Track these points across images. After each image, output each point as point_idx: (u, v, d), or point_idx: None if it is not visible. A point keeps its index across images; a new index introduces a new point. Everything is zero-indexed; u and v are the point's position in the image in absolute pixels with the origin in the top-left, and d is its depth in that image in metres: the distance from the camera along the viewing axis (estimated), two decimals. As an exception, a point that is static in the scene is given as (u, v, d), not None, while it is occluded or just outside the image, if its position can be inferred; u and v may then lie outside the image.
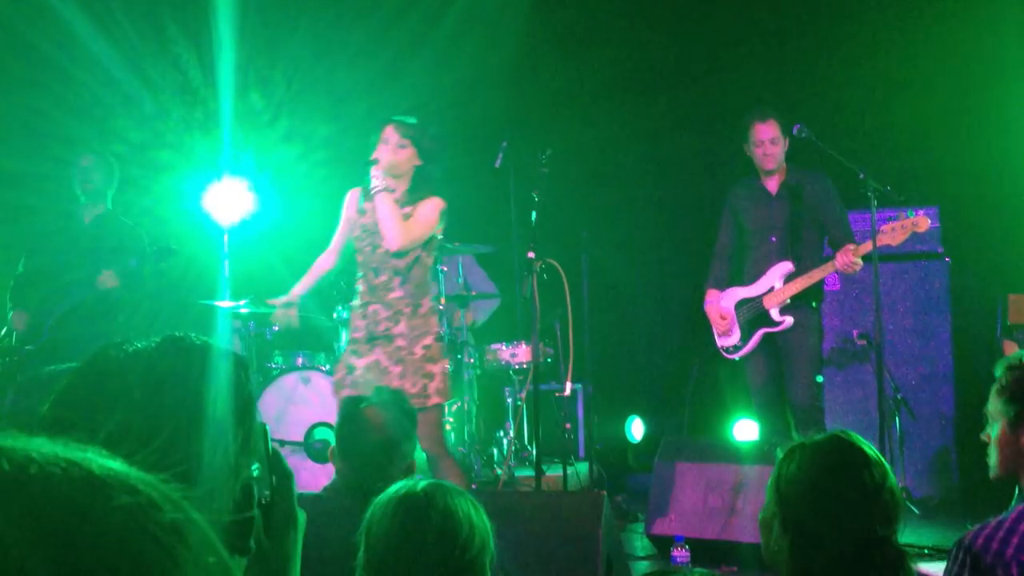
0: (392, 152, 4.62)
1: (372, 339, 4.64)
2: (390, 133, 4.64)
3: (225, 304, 6.38)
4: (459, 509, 2.15)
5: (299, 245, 6.79)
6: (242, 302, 6.40)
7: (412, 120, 4.73)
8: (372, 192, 4.61)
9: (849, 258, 5.41)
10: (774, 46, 7.17)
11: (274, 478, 1.39)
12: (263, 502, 1.31)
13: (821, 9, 7.15)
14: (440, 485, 2.26)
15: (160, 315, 6.29)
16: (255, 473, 1.29)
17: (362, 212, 4.78)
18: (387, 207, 4.59)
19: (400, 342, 4.61)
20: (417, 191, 4.69)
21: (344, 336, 6.49)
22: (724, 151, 6.25)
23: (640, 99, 7.27)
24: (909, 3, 6.95)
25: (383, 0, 7.22)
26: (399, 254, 4.62)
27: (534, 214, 5.17)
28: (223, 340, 5.44)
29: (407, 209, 4.66)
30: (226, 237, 6.63)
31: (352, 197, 4.88)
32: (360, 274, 4.77)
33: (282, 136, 7.08)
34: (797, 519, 2.13)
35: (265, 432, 1.34)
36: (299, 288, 4.93)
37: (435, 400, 4.60)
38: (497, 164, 6.04)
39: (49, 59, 6.54)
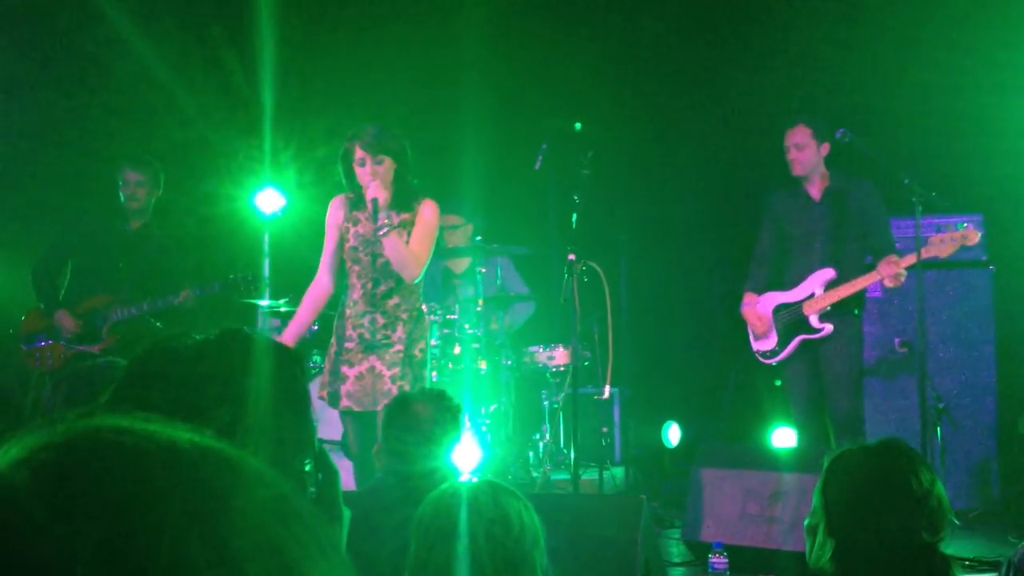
0: (374, 175, 4.51)
1: (367, 347, 4.59)
2: (361, 154, 4.53)
3: (265, 303, 6.44)
4: (509, 506, 2.15)
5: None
6: (282, 301, 6.46)
7: (369, 125, 4.61)
8: (380, 234, 4.48)
9: (893, 269, 5.36)
10: (816, 50, 7.11)
11: (320, 475, 1.40)
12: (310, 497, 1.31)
13: (864, 13, 7.09)
14: (491, 483, 2.27)
15: (204, 308, 6.35)
16: (307, 468, 1.29)
17: (354, 222, 4.70)
18: (398, 247, 4.50)
19: (398, 347, 4.58)
20: (403, 195, 4.60)
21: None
22: (764, 155, 6.20)
23: (679, 102, 7.24)
24: (952, 7, 6.87)
25: (423, 2, 7.25)
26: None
27: (575, 216, 5.17)
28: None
29: (404, 215, 4.60)
30: (266, 237, 6.70)
31: (337, 206, 4.77)
32: (354, 281, 4.67)
33: (322, 135, 7.11)
34: (842, 525, 2.11)
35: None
36: (290, 334, 4.78)
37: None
38: (537, 166, 6.04)
39: (95, 60, 6.62)
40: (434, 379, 6.32)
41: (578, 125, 6.18)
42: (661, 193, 7.45)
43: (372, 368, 4.54)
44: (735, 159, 7.14)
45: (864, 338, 5.95)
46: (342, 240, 4.72)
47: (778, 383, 5.98)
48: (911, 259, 5.37)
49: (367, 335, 4.59)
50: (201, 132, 6.96)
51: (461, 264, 7.02)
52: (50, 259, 6.12)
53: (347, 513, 1.63)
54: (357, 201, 4.65)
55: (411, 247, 4.56)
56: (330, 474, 1.50)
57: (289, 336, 4.74)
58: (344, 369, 4.60)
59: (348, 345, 4.63)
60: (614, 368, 5.70)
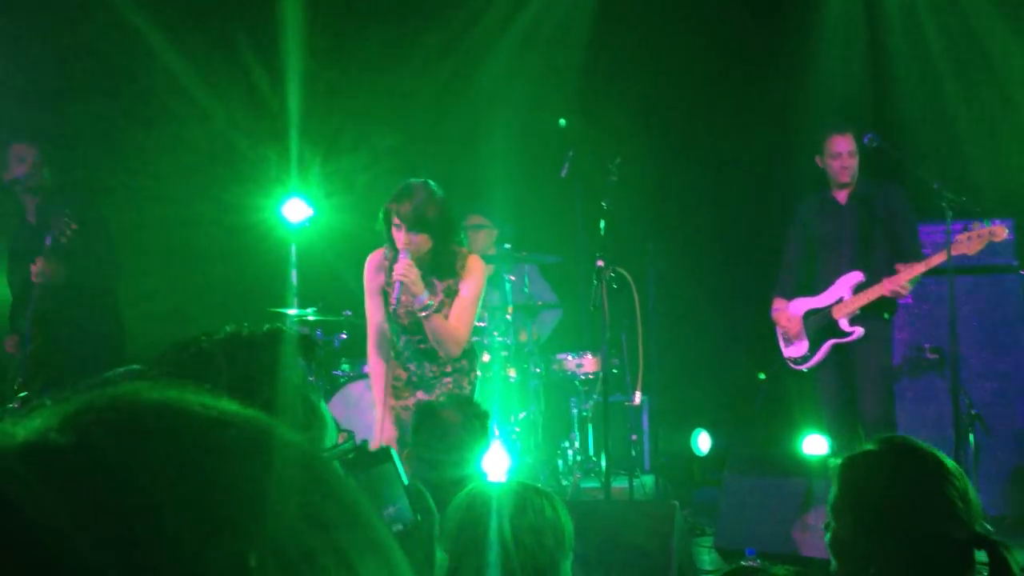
0: (407, 243, 4.29)
1: (414, 386, 4.52)
2: (398, 220, 4.31)
3: (293, 312, 6.47)
4: (539, 508, 2.13)
5: (365, 254, 6.85)
6: (309, 310, 6.48)
7: (414, 187, 4.37)
8: (421, 316, 4.31)
9: (890, 286, 5.36)
10: (843, 56, 7.09)
11: (418, 516, 1.38)
12: (399, 528, 1.30)
13: (889, 19, 7.06)
14: (521, 484, 2.26)
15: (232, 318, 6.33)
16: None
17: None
18: (438, 327, 4.33)
19: (446, 380, 4.50)
20: (441, 262, 4.42)
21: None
22: (792, 162, 6.18)
23: (707, 108, 7.22)
24: (979, 12, 6.83)
25: (450, 11, 7.27)
26: None
27: (603, 223, 5.16)
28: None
29: (448, 282, 4.43)
30: (293, 247, 6.73)
31: (374, 269, 4.57)
32: (399, 330, 4.52)
33: (349, 146, 7.14)
34: (851, 535, 2.07)
35: (393, 460, 1.34)
36: (383, 416, 4.57)
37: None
38: (563, 174, 6.04)
39: (123, 70, 6.67)
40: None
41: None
42: (689, 199, 7.42)
43: (419, 401, 4.38)
44: (763, 164, 7.11)
45: (895, 344, 5.91)
46: (386, 300, 4.50)
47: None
48: (939, 258, 5.33)
49: (415, 378, 4.51)
50: (228, 142, 7.00)
51: (487, 271, 7.02)
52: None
53: (442, 558, 1.61)
54: (396, 260, 4.37)
55: (451, 323, 4.37)
56: (428, 515, 1.49)
57: (385, 432, 4.52)
58: (391, 400, 4.52)
59: (396, 384, 4.54)
60: (643, 375, 5.68)
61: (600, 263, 5.03)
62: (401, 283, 4.22)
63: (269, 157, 6.91)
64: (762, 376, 6.60)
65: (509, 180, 6.71)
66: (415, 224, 4.24)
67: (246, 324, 1.27)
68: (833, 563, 2.16)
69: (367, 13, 7.23)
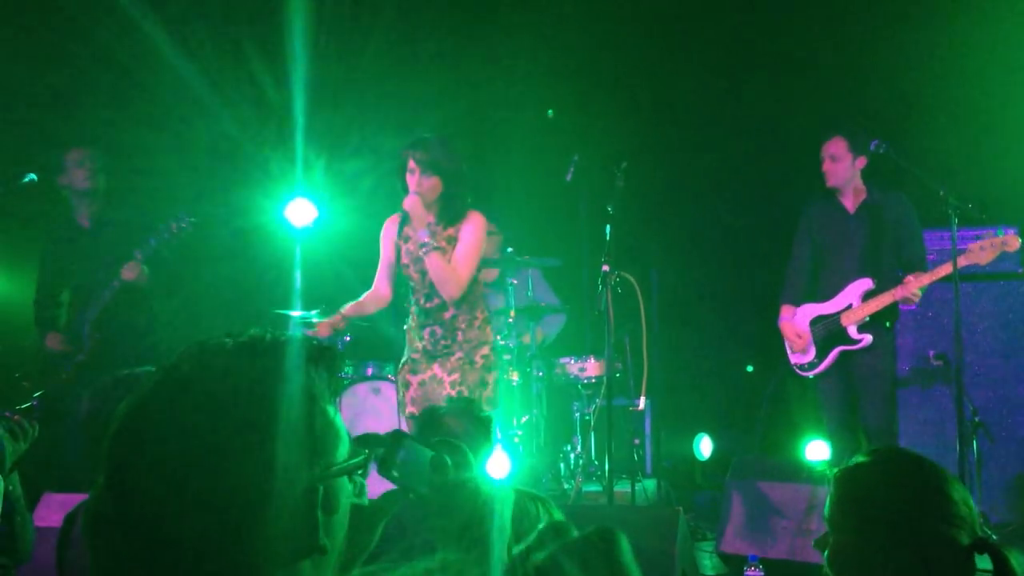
0: (418, 186, 4.62)
1: (432, 357, 4.75)
2: (411, 163, 4.65)
3: (296, 314, 6.46)
4: (530, 515, 2.12)
5: (369, 256, 6.86)
6: (313, 312, 6.48)
7: (429, 138, 4.72)
8: (422, 253, 4.63)
9: (909, 291, 5.36)
10: (851, 63, 7.09)
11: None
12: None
13: (900, 25, 7.05)
14: (530, 495, 2.25)
15: (237, 319, 6.33)
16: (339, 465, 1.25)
17: (405, 239, 4.84)
18: (439, 266, 4.61)
19: (459, 354, 4.71)
20: (449, 209, 4.71)
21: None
22: (799, 166, 6.18)
23: (711, 113, 7.22)
24: (989, 20, 6.83)
25: (455, 14, 7.28)
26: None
27: (608, 227, 5.16)
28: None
29: (449, 231, 4.71)
30: (298, 249, 6.73)
31: (390, 226, 4.92)
32: (411, 296, 4.86)
33: (353, 148, 7.15)
34: (852, 550, 2.06)
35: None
36: (349, 311, 5.02)
37: (484, 409, 4.68)
38: (568, 178, 6.03)
39: (131, 74, 6.68)
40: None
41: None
42: (694, 204, 7.42)
43: (434, 376, 4.70)
44: (769, 170, 7.11)
45: (898, 350, 5.92)
46: (398, 255, 4.86)
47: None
48: (946, 269, 5.33)
49: (429, 347, 4.75)
50: (234, 144, 7.01)
51: (490, 274, 7.03)
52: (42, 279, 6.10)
53: None
54: (408, 218, 4.76)
55: (452, 266, 4.64)
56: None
57: (346, 310, 4.96)
58: (409, 377, 4.78)
59: (414, 356, 4.81)
60: (647, 379, 5.69)
61: (605, 268, 5.04)
62: (405, 214, 4.58)
63: (275, 159, 6.92)
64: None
65: (513, 184, 6.72)
66: (428, 166, 4.58)
67: (269, 329, 1.27)
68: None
69: (373, 16, 7.24)
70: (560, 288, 7.33)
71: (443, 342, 4.73)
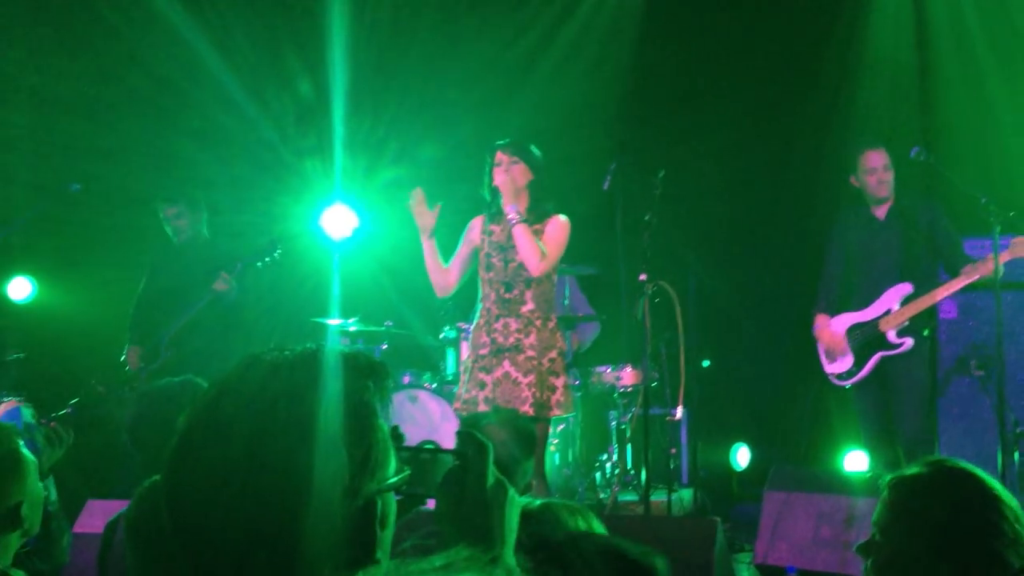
0: (507, 171, 4.85)
1: (500, 351, 4.80)
2: (500, 156, 4.89)
3: (335, 322, 6.51)
4: (566, 527, 2.11)
5: (407, 265, 6.89)
6: (351, 320, 6.52)
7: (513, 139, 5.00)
8: (511, 224, 4.78)
9: (990, 266, 5.26)
10: (887, 72, 7.04)
11: None
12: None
13: (936, 31, 7.00)
14: (552, 504, 2.24)
15: (277, 327, 6.39)
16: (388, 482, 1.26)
17: (489, 233, 4.97)
18: (527, 237, 4.77)
19: (530, 352, 4.78)
20: (537, 208, 4.90)
21: (451, 356, 6.55)
22: (836, 175, 6.14)
23: (747, 122, 7.19)
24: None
25: (493, 23, 7.30)
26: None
27: (646, 236, 5.16)
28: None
29: (536, 227, 4.86)
30: (336, 257, 6.78)
31: (476, 223, 5.07)
32: (487, 290, 4.92)
33: (392, 157, 7.19)
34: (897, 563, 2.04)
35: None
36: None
37: (556, 412, 4.79)
38: (605, 186, 6.03)
39: (174, 86, 6.77)
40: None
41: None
42: (731, 212, 7.38)
43: (507, 374, 4.75)
44: (807, 177, 7.06)
45: (939, 359, 5.86)
46: (475, 253, 5.00)
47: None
48: (987, 267, 5.27)
49: (500, 339, 4.81)
50: (275, 153, 7.07)
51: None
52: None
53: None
54: (495, 216, 4.94)
55: (540, 247, 4.81)
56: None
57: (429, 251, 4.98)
58: (481, 376, 4.82)
59: (482, 352, 4.85)
60: (684, 389, 5.68)
61: (643, 277, 5.05)
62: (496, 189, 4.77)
63: (314, 168, 6.98)
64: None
65: (550, 192, 6.73)
66: (516, 150, 4.84)
67: (320, 343, 1.28)
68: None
69: (412, 24, 7.29)
70: (596, 297, 7.31)
71: (516, 335, 4.80)
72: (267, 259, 5.91)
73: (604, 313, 7.24)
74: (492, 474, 1.44)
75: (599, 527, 2.15)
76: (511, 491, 1.46)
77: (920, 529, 2.05)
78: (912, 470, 2.11)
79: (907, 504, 2.08)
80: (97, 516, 4.16)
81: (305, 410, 1.16)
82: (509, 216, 4.79)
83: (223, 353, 5.72)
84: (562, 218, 4.93)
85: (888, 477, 2.13)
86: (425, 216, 4.90)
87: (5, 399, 4.76)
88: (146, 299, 6.30)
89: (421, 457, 1.43)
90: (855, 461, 6.21)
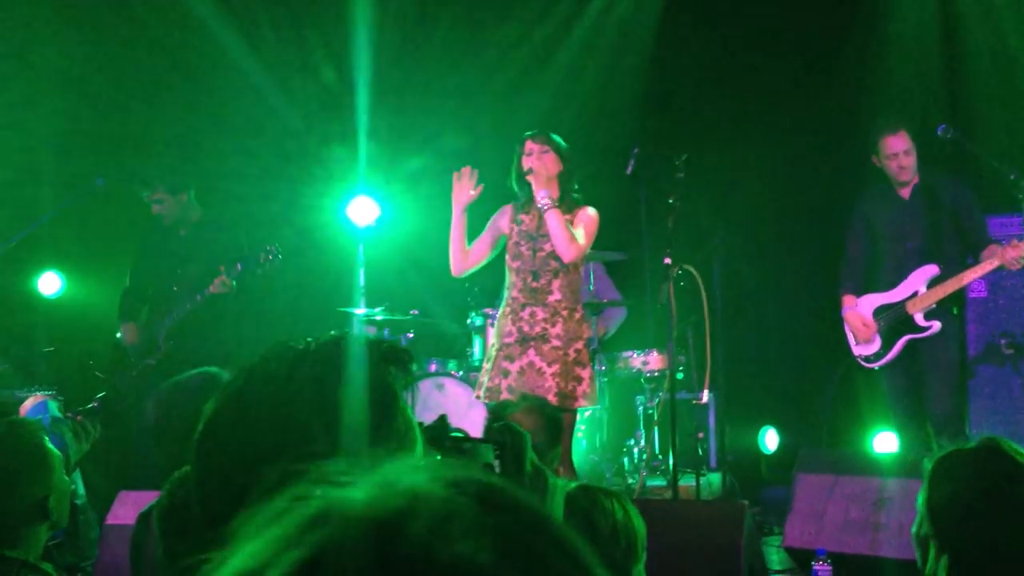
0: (539, 159, 4.86)
1: (525, 340, 4.80)
2: (529, 145, 4.91)
3: (361, 311, 6.53)
4: (608, 513, 2.11)
5: (430, 254, 6.90)
6: (377, 309, 6.55)
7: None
8: (543, 209, 4.79)
9: (1016, 252, 5.20)
10: (913, 47, 6.96)
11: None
12: None
13: (960, 7, 6.91)
14: (586, 487, 2.24)
15: (302, 317, 6.40)
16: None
17: (519, 222, 4.99)
18: (559, 222, 4.78)
19: (556, 342, 4.78)
20: (566, 198, 4.92)
21: (478, 344, 6.56)
22: (862, 154, 6.09)
23: (774, 102, 7.14)
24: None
25: (515, 10, 7.28)
26: (559, 260, 4.82)
27: (670, 220, 5.14)
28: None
29: (565, 216, 4.87)
30: (361, 247, 6.80)
31: (506, 210, 5.08)
32: (514, 279, 4.94)
33: (415, 147, 7.19)
34: (953, 544, 2.00)
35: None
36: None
37: (581, 403, 4.79)
38: (629, 171, 6.01)
39: (199, 72, 6.80)
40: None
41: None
42: (756, 194, 7.34)
43: (531, 363, 4.77)
44: (832, 157, 7.01)
45: (968, 338, 5.81)
46: (500, 241, 5.03)
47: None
48: (1009, 254, 5.21)
49: (526, 328, 4.82)
50: (300, 143, 7.09)
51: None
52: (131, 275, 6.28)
53: None
54: (524, 206, 4.97)
55: (572, 234, 4.83)
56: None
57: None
58: (505, 364, 4.83)
59: (507, 340, 4.86)
60: (710, 372, 5.66)
61: (667, 260, 5.03)
62: (529, 171, 4.80)
63: (339, 158, 6.99)
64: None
65: (563, 171, 6.74)
66: (546, 139, 4.89)
67: (346, 330, 1.29)
68: (923, 567, 2.10)
69: (435, 14, 7.28)
70: (621, 282, 7.30)
71: (542, 324, 4.81)
72: (266, 264, 5.79)
73: (630, 298, 7.22)
74: (530, 462, 1.44)
75: (634, 511, 2.15)
76: (551, 478, 1.46)
77: (974, 509, 2.02)
78: (951, 448, 2.09)
79: (940, 483, 2.05)
80: (129, 507, 4.20)
81: (329, 396, 1.17)
82: (541, 202, 4.81)
83: (221, 345, 5.72)
84: (591, 210, 4.94)
85: (931, 458, 2.10)
86: (466, 191, 4.93)
87: (34, 393, 4.82)
88: (137, 281, 6.21)
89: (465, 447, 1.44)
90: (885, 442, 6.17)
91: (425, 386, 6.31)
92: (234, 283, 5.75)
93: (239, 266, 5.74)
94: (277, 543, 0.56)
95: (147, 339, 6.01)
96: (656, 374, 6.58)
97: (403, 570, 0.53)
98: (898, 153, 5.50)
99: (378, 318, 6.54)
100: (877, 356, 5.65)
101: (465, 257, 5.06)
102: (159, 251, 6.13)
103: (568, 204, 4.91)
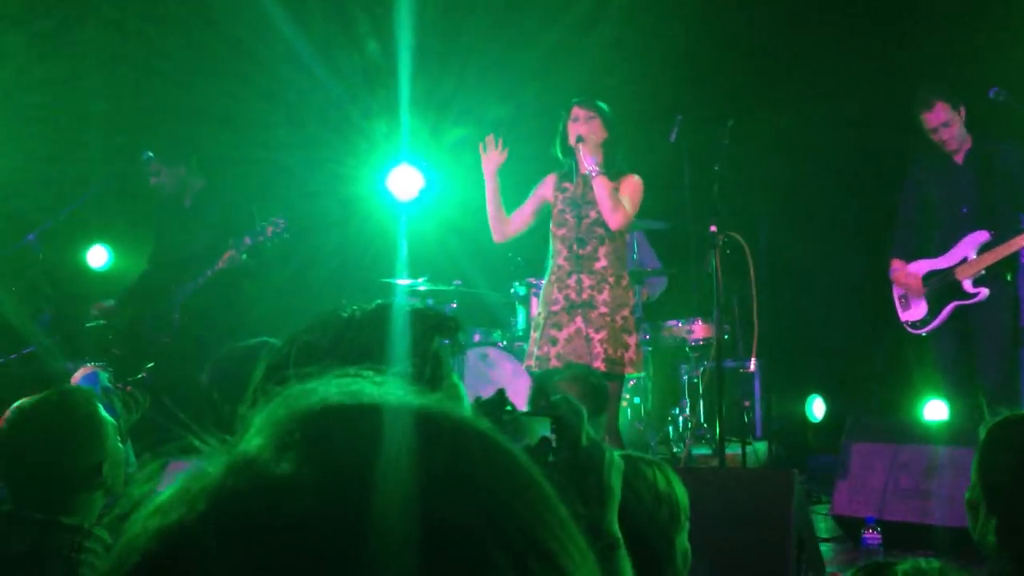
0: (586, 125, 4.87)
1: (572, 307, 4.81)
2: (576, 111, 4.91)
3: (404, 282, 6.54)
4: (646, 479, 2.09)
5: (473, 224, 6.89)
6: (420, 280, 6.56)
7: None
8: (592, 175, 4.80)
9: None
10: (963, 8, 6.81)
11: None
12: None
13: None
14: (627, 456, 2.22)
15: (345, 288, 6.41)
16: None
17: (563, 190, 4.99)
18: (606, 189, 4.80)
19: (603, 309, 4.79)
20: (612, 166, 4.92)
21: (521, 313, 6.56)
22: (907, 120, 5.98)
23: (820, 67, 7.03)
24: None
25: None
26: (605, 227, 4.82)
27: (716, 187, 5.10)
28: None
29: (612, 184, 4.87)
30: (404, 217, 6.80)
31: (549, 180, 5.09)
32: (559, 247, 4.95)
33: (456, 117, 7.17)
34: (1004, 501, 2.00)
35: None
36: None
37: (628, 369, 4.82)
38: (672, 138, 5.96)
39: (245, 45, 6.81)
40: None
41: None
42: (801, 161, 7.25)
43: (579, 330, 4.77)
44: (879, 123, 6.90)
45: (1021, 305, 5.70)
46: (543, 209, 5.05)
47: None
48: None
49: (573, 295, 4.84)
50: (343, 114, 7.09)
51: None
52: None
53: None
54: (568, 174, 4.99)
55: (619, 200, 4.86)
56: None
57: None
58: (553, 332, 4.84)
59: (554, 308, 4.88)
60: (757, 340, 5.62)
61: (713, 228, 5.00)
62: (578, 137, 4.82)
63: (381, 129, 6.99)
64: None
65: (608, 138, 6.70)
66: (593, 105, 4.91)
67: (390, 300, 1.29)
68: (974, 531, 2.09)
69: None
70: (663, 251, 7.25)
71: (589, 291, 4.82)
72: (276, 237, 5.62)
73: (672, 267, 7.18)
74: (586, 436, 1.42)
75: (676, 480, 2.13)
76: (608, 452, 1.44)
77: (1004, 474, 2.01)
78: (1008, 415, 2.07)
79: (996, 449, 2.04)
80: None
81: (374, 363, 1.17)
82: (589, 168, 4.82)
83: (238, 319, 5.69)
84: (636, 177, 4.94)
85: (986, 425, 2.09)
86: (493, 157, 4.97)
87: (84, 364, 4.87)
88: (154, 258, 6.16)
89: (521, 420, 1.42)
90: (935, 410, 6.11)
91: (470, 356, 6.32)
92: (244, 256, 5.63)
93: (248, 239, 5.61)
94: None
95: (160, 313, 5.90)
96: (701, 343, 6.55)
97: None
98: (936, 127, 5.43)
99: (421, 288, 6.56)
100: (924, 322, 5.58)
101: (507, 223, 5.09)
102: (166, 225, 6.05)
103: (614, 171, 4.91)
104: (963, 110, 5.45)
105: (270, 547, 0.50)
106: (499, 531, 0.53)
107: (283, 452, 0.54)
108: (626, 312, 4.84)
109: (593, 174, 4.80)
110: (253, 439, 0.57)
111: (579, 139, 4.85)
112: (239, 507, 0.52)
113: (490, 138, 4.99)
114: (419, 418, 0.57)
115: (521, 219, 5.10)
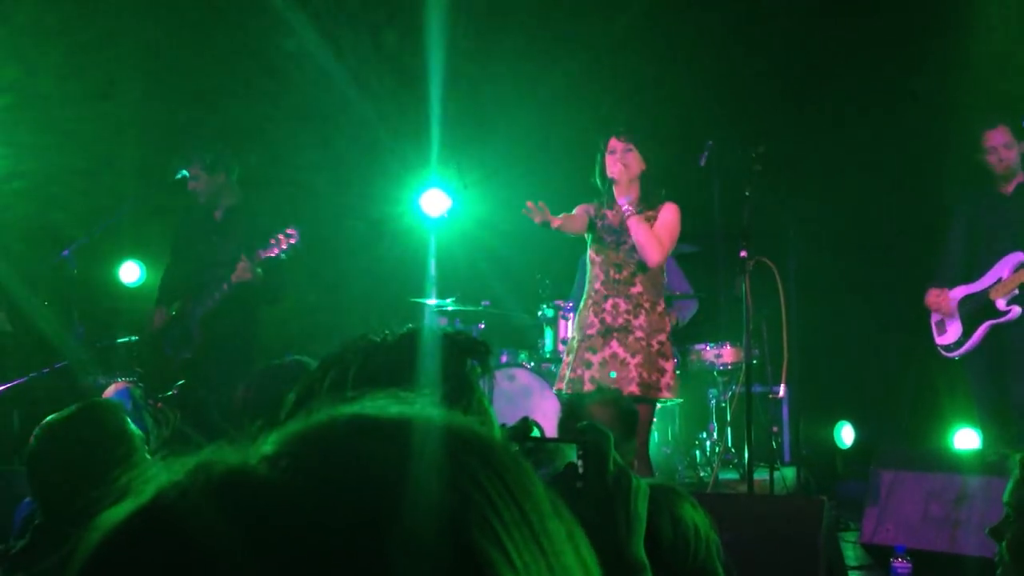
0: (621, 159, 4.86)
1: (608, 332, 4.81)
2: (613, 143, 4.90)
3: (432, 302, 6.57)
4: (684, 513, 2.09)
5: (502, 245, 6.91)
6: (449, 300, 6.58)
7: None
8: (626, 216, 4.82)
9: None
10: (1005, 33, 6.77)
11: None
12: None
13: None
14: (663, 489, 2.21)
15: (374, 308, 6.43)
16: None
17: (602, 217, 5.00)
18: (643, 228, 4.80)
19: (639, 333, 4.80)
20: (649, 196, 4.93)
21: (549, 335, 6.56)
22: (944, 146, 5.96)
23: (851, 93, 7.01)
24: None
25: (589, 3, 7.25)
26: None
27: (746, 212, 5.08)
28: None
29: (648, 213, 4.88)
30: (432, 238, 6.84)
31: (588, 206, 5.07)
32: (597, 271, 4.96)
33: (488, 139, 7.21)
34: None
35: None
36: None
37: (664, 394, 4.80)
38: (702, 163, 5.96)
39: (277, 67, 6.87)
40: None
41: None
42: (832, 186, 7.22)
43: (615, 355, 4.78)
44: (911, 150, 6.87)
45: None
46: (591, 222, 5.01)
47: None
48: None
49: (609, 319, 4.85)
50: (373, 135, 7.14)
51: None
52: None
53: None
54: (607, 201, 4.99)
55: (655, 232, 4.85)
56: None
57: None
58: (588, 355, 4.84)
59: (589, 332, 4.88)
60: (787, 366, 5.59)
61: (743, 253, 4.98)
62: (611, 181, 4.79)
63: (411, 150, 7.03)
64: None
65: (645, 169, 6.69)
66: (631, 137, 4.87)
67: (419, 324, 1.30)
68: (999, 561, 2.06)
69: (508, 5, 7.27)
70: (692, 274, 7.23)
71: (625, 316, 4.83)
72: (289, 249, 5.49)
73: (701, 291, 7.16)
74: (613, 463, 1.42)
75: (700, 515, 2.12)
76: (635, 480, 1.43)
77: None
78: None
79: None
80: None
81: (404, 387, 1.17)
82: (623, 209, 4.83)
83: (255, 335, 5.69)
84: (673, 206, 4.95)
85: (1018, 455, 2.06)
86: (544, 215, 4.73)
87: (116, 380, 4.90)
88: (173, 267, 6.10)
89: (547, 447, 1.42)
90: (966, 439, 6.04)
91: (497, 377, 6.32)
92: (259, 270, 5.52)
93: (260, 252, 5.51)
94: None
95: (182, 331, 5.84)
96: (729, 367, 6.52)
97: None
98: (997, 147, 5.43)
99: (449, 308, 6.58)
100: (957, 344, 5.54)
101: (582, 219, 5.02)
102: (192, 236, 5.98)
103: (650, 201, 4.92)
104: (1022, 145, 5.48)
105: (227, 544, 0.51)
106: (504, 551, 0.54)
107: (278, 460, 0.56)
108: (662, 337, 4.85)
109: (627, 214, 4.82)
110: (263, 447, 0.59)
111: (612, 182, 4.85)
112: (210, 502, 0.53)
113: (531, 204, 4.72)
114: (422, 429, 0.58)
115: (583, 218, 5.03)
